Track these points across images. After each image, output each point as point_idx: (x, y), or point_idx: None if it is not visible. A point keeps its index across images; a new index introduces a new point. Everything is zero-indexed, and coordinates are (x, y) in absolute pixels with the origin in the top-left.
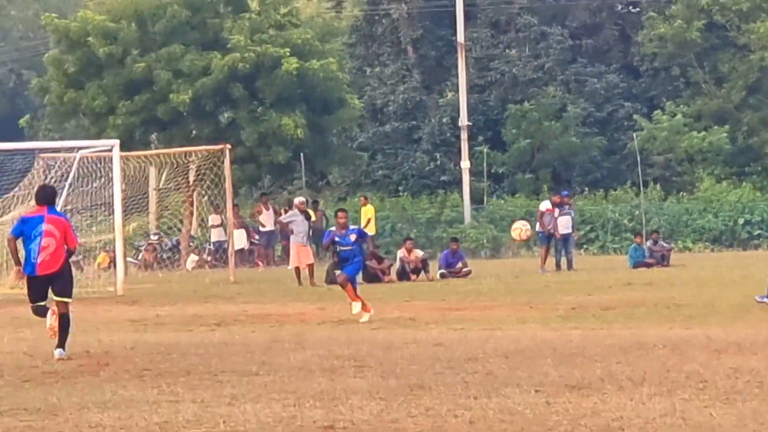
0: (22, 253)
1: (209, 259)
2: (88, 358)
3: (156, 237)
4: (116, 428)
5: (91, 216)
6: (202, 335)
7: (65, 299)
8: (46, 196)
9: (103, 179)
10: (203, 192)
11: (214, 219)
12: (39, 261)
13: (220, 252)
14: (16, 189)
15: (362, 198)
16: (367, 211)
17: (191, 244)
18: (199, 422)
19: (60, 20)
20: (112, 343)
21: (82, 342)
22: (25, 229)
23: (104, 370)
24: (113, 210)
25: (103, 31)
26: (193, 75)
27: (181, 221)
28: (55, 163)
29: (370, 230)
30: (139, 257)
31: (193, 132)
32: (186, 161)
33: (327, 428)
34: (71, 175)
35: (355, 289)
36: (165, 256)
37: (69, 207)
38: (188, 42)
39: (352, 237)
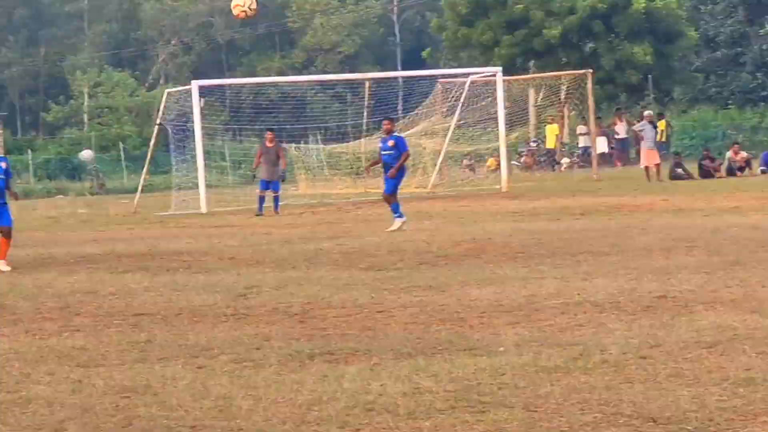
0: None
1: (578, 161)
2: (474, 244)
3: (534, 144)
4: (491, 301)
5: (482, 128)
6: (568, 223)
7: None
8: None
9: (489, 99)
10: (571, 107)
11: (580, 129)
12: None
13: (585, 155)
14: (419, 108)
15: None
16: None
17: (563, 149)
18: (558, 295)
19: None
20: (494, 230)
21: (471, 231)
22: None
23: (485, 253)
24: (498, 123)
25: None
26: (562, 14)
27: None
28: (452, 86)
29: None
30: (521, 160)
31: (563, 60)
32: (557, 83)
33: (660, 297)
34: (463, 95)
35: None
36: (542, 159)
37: (462, 121)
38: None
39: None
